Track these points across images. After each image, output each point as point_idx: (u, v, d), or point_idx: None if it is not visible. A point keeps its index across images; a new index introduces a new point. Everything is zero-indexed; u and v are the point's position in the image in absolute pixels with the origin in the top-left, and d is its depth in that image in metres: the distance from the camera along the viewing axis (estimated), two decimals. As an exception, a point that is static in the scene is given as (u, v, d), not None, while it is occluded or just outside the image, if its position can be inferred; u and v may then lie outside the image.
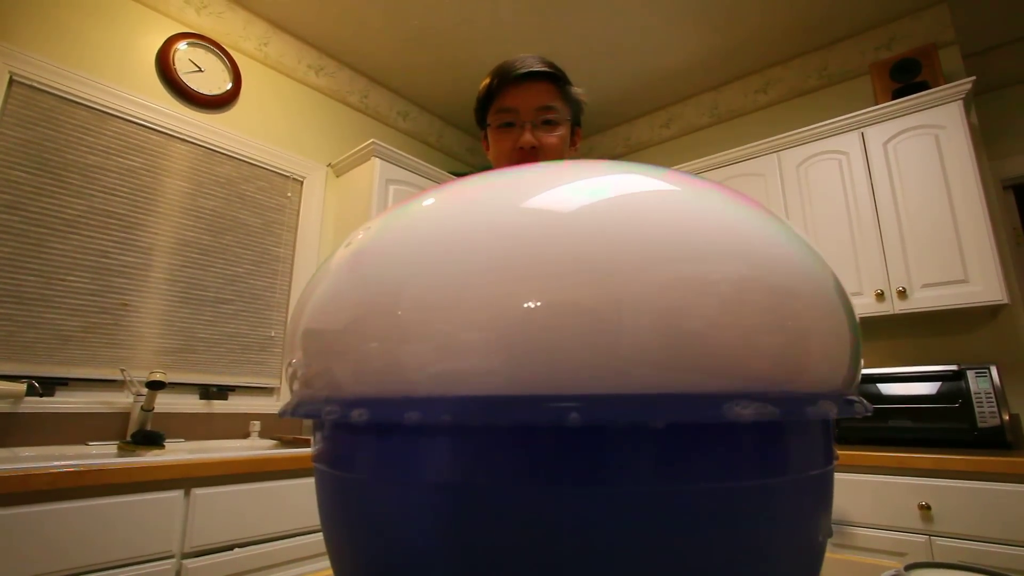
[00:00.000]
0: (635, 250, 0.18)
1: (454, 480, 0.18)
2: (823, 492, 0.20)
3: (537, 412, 0.16)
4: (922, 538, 1.40)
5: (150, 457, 1.42)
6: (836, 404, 0.18)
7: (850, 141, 2.00)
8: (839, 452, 1.55)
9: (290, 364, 0.28)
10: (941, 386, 1.67)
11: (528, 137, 0.76)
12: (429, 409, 0.17)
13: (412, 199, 0.27)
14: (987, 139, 2.21)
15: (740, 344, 0.17)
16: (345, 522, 0.22)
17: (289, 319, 0.29)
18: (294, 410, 0.23)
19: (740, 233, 0.21)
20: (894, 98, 1.97)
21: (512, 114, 0.79)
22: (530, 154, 0.77)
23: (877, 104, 2.03)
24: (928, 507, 1.41)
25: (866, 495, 1.50)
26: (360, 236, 0.27)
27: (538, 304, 0.17)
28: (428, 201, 0.25)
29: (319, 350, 0.24)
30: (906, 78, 1.99)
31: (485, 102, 0.83)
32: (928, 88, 1.91)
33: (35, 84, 1.59)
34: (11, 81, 1.55)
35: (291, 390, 0.29)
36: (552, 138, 0.79)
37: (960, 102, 1.80)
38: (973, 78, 1.78)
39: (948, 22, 2.10)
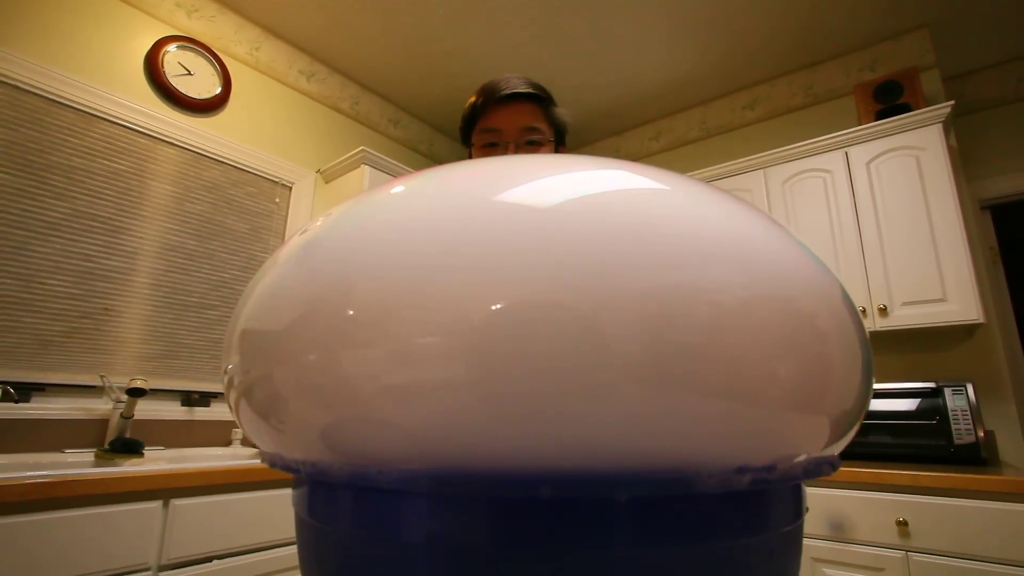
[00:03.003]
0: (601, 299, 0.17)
1: (431, 541, 0.18)
2: (792, 547, 0.21)
3: (507, 488, 0.16)
4: (899, 554, 1.42)
5: (128, 466, 1.39)
6: (808, 468, 0.19)
7: (834, 160, 2.04)
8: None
9: (226, 370, 0.26)
10: (919, 403, 1.70)
11: None
12: (399, 478, 0.17)
13: (384, 186, 0.25)
14: (965, 160, 2.27)
15: (719, 424, 0.17)
16: (320, 569, 0.22)
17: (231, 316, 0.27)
18: (272, 462, 0.23)
19: (734, 260, 0.19)
20: (877, 119, 2.02)
21: (496, 134, 0.79)
22: None
23: (861, 124, 2.08)
24: (905, 523, 1.43)
25: (845, 510, 1.52)
26: (318, 223, 0.25)
27: (504, 363, 0.16)
28: (396, 189, 0.23)
29: (257, 357, 0.22)
30: (889, 100, 2.03)
31: (470, 121, 0.83)
32: (910, 110, 1.96)
33: (20, 84, 1.57)
34: (-5, 81, 1.53)
35: (228, 402, 0.26)
36: None
37: (940, 125, 1.84)
38: (952, 102, 1.83)
39: (929, 46, 2.15)
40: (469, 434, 0.17)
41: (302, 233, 0.25)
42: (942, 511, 1.39)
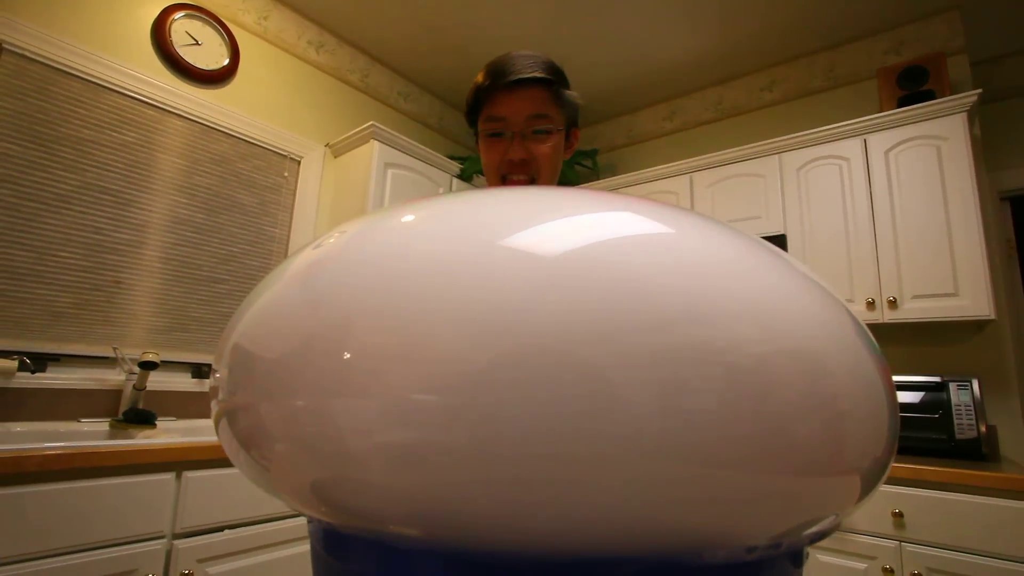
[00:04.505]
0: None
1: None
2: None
3: (512, 564, 0.16)
4: (893, 543, 1.45)
5: (142, 437, 1.43)
6: (814, 536, 0.19)
7: (852, 147, 1.99)
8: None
9: (213, 376, 0.25)
10: (924, 396, 1.70)
11: (518, 150, 0.73)
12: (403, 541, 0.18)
13: (399, 213, 0.24)
14: (988, 149, 2.21)
15: (729, 507, 0.16)
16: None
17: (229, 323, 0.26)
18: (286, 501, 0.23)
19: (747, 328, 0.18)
20: (899, 106, 1.96)
21: (501, 123, 0.74)
22: (520, 166, 0.74)
23: (881, 110, 2.02)
24: (901, 514, 1.45)
25: (842, 500, 1.54)
26: (331, 240, 0.24)
27: (508, 444, 0.16)
28: (411, 229, 0.22)
29: (244, 380, 0.22)
30: (913, 86, 1.97)
31: (474, 106, 0.78)
32: (934, 97, 1.90)
33: (26, 53, 1.55)
34: (1, 49, 1.51)
35: (211, 411, 0.25)
36: (544, 148, 0.74)
37: (964, 114, 1.79)
38: (979, 91, 1.77)
39: (959, 29, 2.07)
40: (470, 507, 0.16)
41: (315, 247, 0.25)
42: (938, 504, 1.41)
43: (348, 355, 0.18)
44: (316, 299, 0.21)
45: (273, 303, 0.23)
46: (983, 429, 1.60)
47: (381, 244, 0.22)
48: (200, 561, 1.24)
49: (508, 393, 0.16)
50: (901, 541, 1.44)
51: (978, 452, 1.59)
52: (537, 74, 0.73)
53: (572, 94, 0.79)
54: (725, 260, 0.21)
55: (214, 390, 0.25)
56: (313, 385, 0.19)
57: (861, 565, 1.48)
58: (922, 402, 1.70)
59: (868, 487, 0.20)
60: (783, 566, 0.20)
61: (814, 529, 0.18)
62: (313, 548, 0.27)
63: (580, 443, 0.16)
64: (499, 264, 0.19)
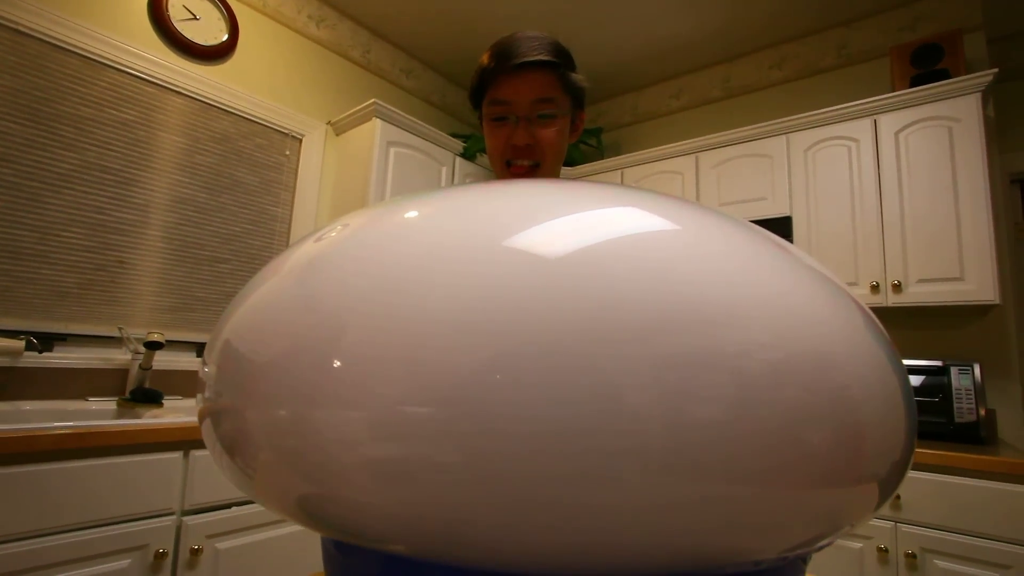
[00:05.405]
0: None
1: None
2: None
3: None
4: (888, 524, 1.47)
5: (149, 416, 1.45)
6: (822, 544, 0.19)
7: (862, 128, 1.96)
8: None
9: (202, 372, 0.24)
10: (924, 380, 1.71)
11: (522, 135, 0.72)
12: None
13: (402, 208, 0.24)
14: (1001, 130, 2.17)
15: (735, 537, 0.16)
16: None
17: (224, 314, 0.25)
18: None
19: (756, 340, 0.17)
20: (912, 85, 1.92)
21: (506, 107, 0.73)
22: (524, 151, 0.73)
23: (894, 89, 1.98)
24: (897, 496, 1.47)
25: (840, 481, 1.56)
26: (333, 234, 0.23)
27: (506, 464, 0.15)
28: (420, 231, 0.22)
29: (231, 381, 0.21)
30: (926, 65, 1.92)
31: (479, 88, 0.76)
32: (948, 76, 1.86)
33: (22, 28, 1.52)
34: (-3, 24, 1.48)
35: (196, 406, 0.25)
36: (549, 132, 0.73)
37: (979, 94, 1.75)
38: (995, 70, 1.73)
39: (977, 4, 2.01)
40: (463, 527, 0.15)
41: (316, 240, 0.24)
42: (935, 487, 1.43)
43: (338, 362, 0.18)
44: (310, 300, 0.20)
45: (268, 300, 0.22)
46: (982, 413, 1.61)
47: (380, 244, 0.22)
48: (209, 537, 1.27)
49: (504, 405, 0.15)
50: (896, 522, 1.47)
51: (976, 436, 1.60)
52: (543, 57, 0.71)
53: (578, 77, 0.77)
54: (732, 257, 0.20)
55: (201, 385, 0.24)
56: (298, 393, 0.18)
57: (856, 545, 1.51)
58: (923, 386, 1.70)
59: (886, 494, 0.20)
60: (792, 567, 0.20)
61: (826, 541, 0.18)
62: (322, 538, 0.27)
63: (582, 461, 0.15)
64: (502, 270, 0.18)
